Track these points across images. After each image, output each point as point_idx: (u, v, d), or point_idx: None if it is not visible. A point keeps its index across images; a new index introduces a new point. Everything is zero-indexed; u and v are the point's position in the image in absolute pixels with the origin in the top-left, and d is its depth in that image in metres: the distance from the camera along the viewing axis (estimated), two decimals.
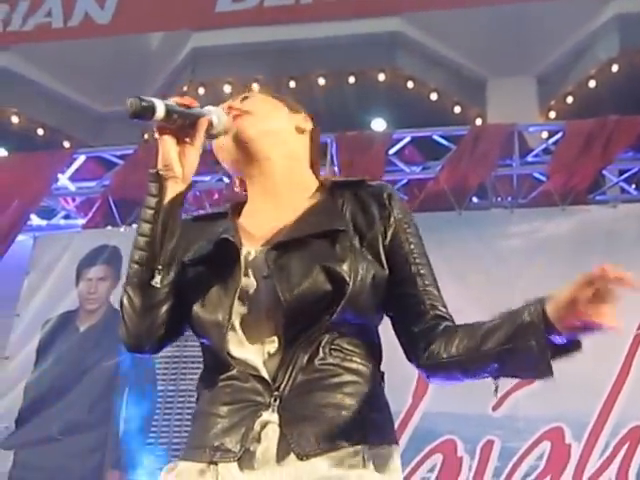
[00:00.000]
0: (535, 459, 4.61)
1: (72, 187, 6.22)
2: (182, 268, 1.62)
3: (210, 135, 1.63)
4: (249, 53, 7.08)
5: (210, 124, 1.60)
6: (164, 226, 1.56)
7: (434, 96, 7.36)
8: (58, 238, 5.99)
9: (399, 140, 5.87)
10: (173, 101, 1.55)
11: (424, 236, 1.70)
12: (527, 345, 1.46)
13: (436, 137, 5.86)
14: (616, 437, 4.56)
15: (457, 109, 7.46)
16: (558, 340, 1.45)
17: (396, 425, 1.69)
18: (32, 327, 5.62)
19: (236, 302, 1.55)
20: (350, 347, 1.58)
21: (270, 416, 1.52)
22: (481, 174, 5.54)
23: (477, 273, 5.05)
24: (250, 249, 1.60)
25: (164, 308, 1.58)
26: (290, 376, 1.52)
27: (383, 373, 1.65)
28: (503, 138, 5.65)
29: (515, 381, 4.67)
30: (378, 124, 7.43)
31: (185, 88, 7.49)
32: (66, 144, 7.81)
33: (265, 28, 7.24)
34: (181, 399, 5.20)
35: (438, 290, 1.67)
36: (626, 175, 5.69)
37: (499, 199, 5.70)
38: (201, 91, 7.31)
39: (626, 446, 4.54)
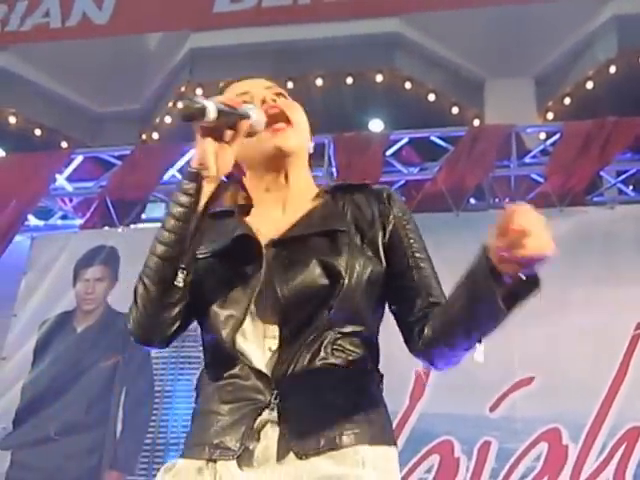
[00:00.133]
0: (532, 460, 4.61)
1: (69, 187, 6.22)
2: (195, 262, 1.61)
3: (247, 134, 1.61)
4: (247, 54, 7.08)
5: (250, 125, 1.58)
6: (196, 227, 1.55)
7: (432, 97, 7.36)
8: (55, 238, 5.99)
9: (397, 141, 5.87)
10: (219, 101, 1.52)
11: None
12: (480, 295, 1.45)
13: (434, 138, 5.86)
14: (613, 438, 4.55)
15: (455, 110, 7.46)
16: (508, 280, 1.43)
17: (393, 426, 1.69)
18: (29, 327, 5.61)
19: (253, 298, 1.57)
20: (352, 347, 1.59)
21: (270, 415, 1.52)
22: (479, 175, 5.54)
23: None
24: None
25: (180, 306, 1.58)
26: (291, 375, 1.53)
27: (382, 375, 1.66)
28: (501, 139, 5.65)
29: (513, 382, 4.70)
30: (376, 125, 7.43)
31: (183, 89, 7.49)
32: (64, 144, 7.81)
33: (263, 29, 7.23)
34: (178, 400, 5.20)
35: (438, 283, 1.68)
36: (624, 176, 5.69)
37: (497, 200, 5.69)
38: (199, 92, 7.30)
39: (623, 447, 4.53)
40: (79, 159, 6.19)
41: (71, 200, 6.28)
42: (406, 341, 1.67)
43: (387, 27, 7.32)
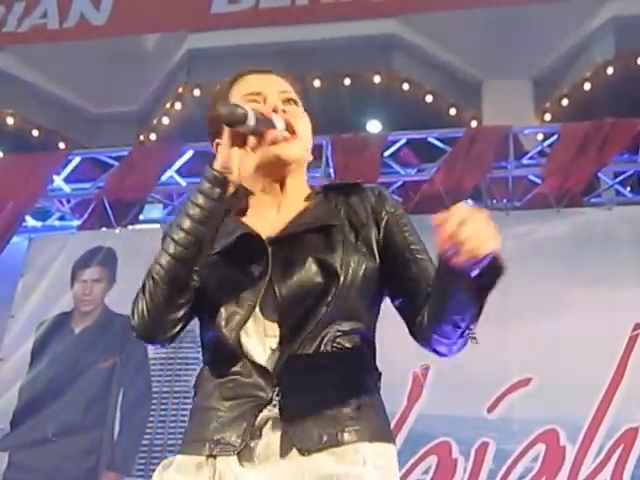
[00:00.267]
0: (530, 461, 4.61)
1: (67, 188, 6.21)
2: None
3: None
4: (245, 55, 7.07)
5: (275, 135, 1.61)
6: (214, 231, 1.57)
7: (429, 98, 7.37)
8: (53, 239, 5.98)
9: (394, 142, 5.87)
10: (252, 109, 1.54)
11: None
12: (447, 287, 1.48)
13: (431, 139, 5.87)
14: (611, 439, 4.55)
15: (452, 111, 7.47)
16: (468, 272, 1.44)
17: (391, 427, 1.69)
18: (27, 329, 5.61)
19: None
20: (351, 345, 1.60)
21: (271, 412, 1.53)
22: (476, 176, 5.55)
23: None
24: None
25: (188, 306, 1.58)
26: (292, 372, 1.54)
27: (380, 373, 1.67)
28: (498, 140, 5.65)
29: (510, 383, 4.70)
30: (373, 126, 7.44)
31: (180, 90, 7.49)
32: (61, 145, 7.81)
33: (260, 30, 7.23)
34: (176, 400, 5.20)
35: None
36: (621, 177, 5.70)
37: (494, 201, 5.70)
38: (196, 93, 7.31)
39: (620, 448, 4.54)
40: (77, 160, 6.20)
41: (69, 201, 6.28)
42: (411, 333, 1.67)
43: (385, 28, 7.33)
